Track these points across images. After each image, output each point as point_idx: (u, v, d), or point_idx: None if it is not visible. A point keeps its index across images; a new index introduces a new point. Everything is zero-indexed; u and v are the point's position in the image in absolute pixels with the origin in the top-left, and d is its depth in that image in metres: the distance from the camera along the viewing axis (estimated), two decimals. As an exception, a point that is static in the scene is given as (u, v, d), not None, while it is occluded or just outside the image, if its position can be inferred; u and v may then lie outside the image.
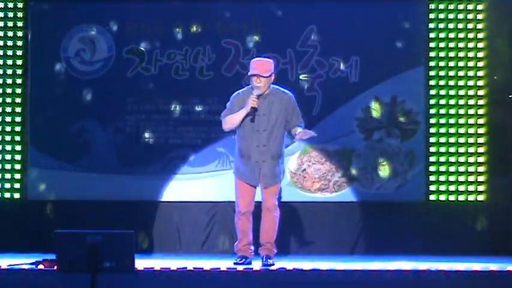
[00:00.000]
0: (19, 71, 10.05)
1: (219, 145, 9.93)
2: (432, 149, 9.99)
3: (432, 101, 9.99)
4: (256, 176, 8.04)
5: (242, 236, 8.13)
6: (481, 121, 9.95)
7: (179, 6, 10.06)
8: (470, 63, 9.97)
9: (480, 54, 9.96)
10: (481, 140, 9.93)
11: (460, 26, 10.00)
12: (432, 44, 10.00)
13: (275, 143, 8.00)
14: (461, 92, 9.97)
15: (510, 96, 9.97)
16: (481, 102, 9.95)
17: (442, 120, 9.97)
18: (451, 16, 9.99)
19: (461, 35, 9.98)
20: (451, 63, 9.98)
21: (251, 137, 7.99)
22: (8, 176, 10.00)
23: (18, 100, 10.03)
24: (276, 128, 8.00)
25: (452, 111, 9.98)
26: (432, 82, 10.00)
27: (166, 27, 10.08)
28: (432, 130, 9.99)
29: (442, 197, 9.97)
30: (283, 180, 8.31)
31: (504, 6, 9.90)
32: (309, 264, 7.72)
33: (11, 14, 10.06)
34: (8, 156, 9.99)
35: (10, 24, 10.05)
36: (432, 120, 9.99)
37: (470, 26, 9.98)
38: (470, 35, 9.98)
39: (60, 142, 10.02)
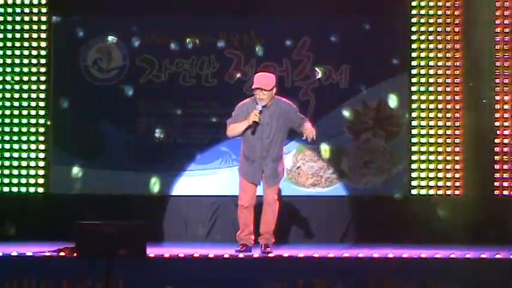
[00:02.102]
0: (43, 78, 10.06)
1: (222, 145, 9.93)
2: (414, 148, 10.00)
3: (414, 105, 10.00)
4: (258, 176, 8.04)
5: (244, 227, 8.12)
6: (457, 123, 9.96)
7: (187, 20, 10.06)
8: (448, 72, 9.98)
9: (457, 64, 9.96)
10: (457, 141, 9.94)
11: (439, 38, 10.01)
12: (414, 54, 10.01)
13: (275, 147, 8.01)
14: (440, 97, 9.98)
15: (484, 101, 9.98)
16: (457, 106, 9.96)
17: (423, 123, 9.98)
18: (431, 29, 10.00)
19: (440, 46, 9.99)
20: (431, 71, 9.99)
21: (255, 144, 7.99)
22: (32, 172, 10.01)
23: (42, 104, 10.04)
24: (276, 135, 8.00)
25: (432, 114, 9.98)
26: (414, 88, 10.01)
27: (175, 39, 10.08)
28: (414, 131, 10.00)
29: (423, 191, 9.97)
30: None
31: (477, 22, 9.92)
32: (303, 252, 7.71)
33: (35, 27, 10.08)
34: (33, 155, 10.00)
35: (35, 35, 10.07)
36: (414, 123, 10.00)
37: (448, 38, 10.00)
38: (448, 46, 9.99)
39: (79, 142, 10.02)
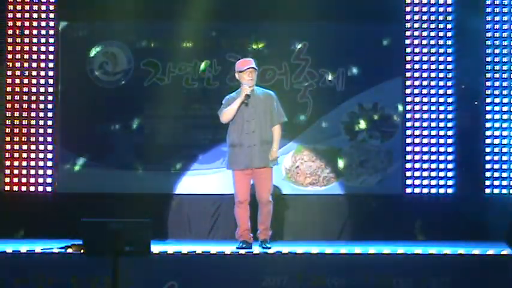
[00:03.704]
0: (51, 81, 10.06)
1: (223, 145, 9.85)
2: (408, 149, 10.00)
3: (408, 107, 10.01)
4: (248, 159, 8.11)
5: (241, 223, 8.17)
6: (450, 124, 9.97)
7: (190, 24, 10.06)
8: (441, 74, 9.98)
9: (449, 67, 9.98)
10: (450, 141, 9.95)
11: (432, 42, 10.01)
12: (408, 58, 10.01)
13: (262, 129, 8.16)
14: (433, 99, 9.99)
15: (475, 102, 9.98)
16: (450, 108, 9.97)
17: (417, 124, 9.99)
18: (424, 34, 10.01)
19: (433, 50, 10.00)
20: (424, 74, 10.00)
21: (242, 126, 8.14)
22: (41, 172, 10.01)
23: (50, 106, 10.04)
24: (261, 118, 8.16)
25: (425, 115, 9.99)
26: (408, 91, 10.02)
27: (178, 43, 10.09)
28: (408, 132, 10.00)
29: (417, 190, 9.97)
30: (275, 166, 8.34)
31: (469, 30, 9.92)
32: (301, 248, 7.72)
33: (43, 32, 10.08)
34: (41, 155, 10.01)
35: (43, 40, 10.07)
36: (408, 124, 10.00)
37: (440, 42, 10.01)
38: (441, 50, 10.00)
39: (86, 142, 10.02)
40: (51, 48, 10.07)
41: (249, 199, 8.19)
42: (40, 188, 10.00)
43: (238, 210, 8.19)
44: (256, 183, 8.21)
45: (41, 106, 10.02)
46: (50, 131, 10.02)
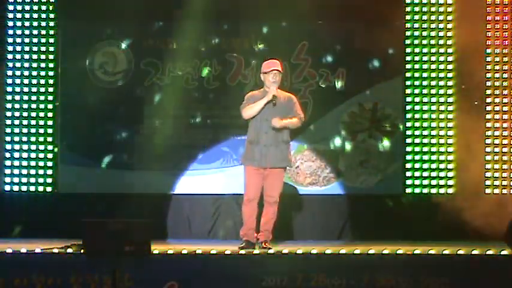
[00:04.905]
0: (51, 81, 10.07)
1: (223, 145, 9.95)
2: (408, 149, 10.01)
3: (408, 107, 10.02)
4: (262, 158, 8.08)
5: (247, 222, 8.14)
6: (450, 124, 9.98)
7: (190, 24, 10.06)
8: (441, 74, 10.00)
9: (450, 67, 9.99)
10: (450, 141, 9.96)
11: (432, 42, 10.03)
12: (408, 58, 10.02)
13: (279, 130, 8.08)
14: (434, 99, 10.00)
15: (476, 102, 9.99)
16: (450, 108, 9.98)
17: (417, 124, 10.00)
18: (424, 34, 10.02)
19: (433, 50, 10.01)
20: (425, 74, 10.01)
21: (260, 125, 8.09)
22: (41, 172, 10.01)
23: (50, 106, 10.05)
24: (282, 117, 8.06)
25: (425, 115, 10.00)
26: (408, 91, 10.03)
27: (178, 43, 10.09)
28: (408, 132, 10.01)
29: (417, 190, 9.98)
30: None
31: (470, 28, 9.93)
32: (301, 248, 7.72)
33: (43, 31, 10.09)
34: (41, 155, 10.01)
35: (43, 40, 10.08)
36: (408, 124, 10.01)
37: (441, 42, 10.02)
38: (441, 50, 10.01)
39: (86, 142, 10.03)
40: (51, 48, 10.07)
41: (259, 198, 8.15)
42: (40, 188, 10.01)
43: (246, 209, 8.14)
44: (266, 183, 8.15)
45: (41, 106, 10.03)
46: (50, 131, 10.03)
